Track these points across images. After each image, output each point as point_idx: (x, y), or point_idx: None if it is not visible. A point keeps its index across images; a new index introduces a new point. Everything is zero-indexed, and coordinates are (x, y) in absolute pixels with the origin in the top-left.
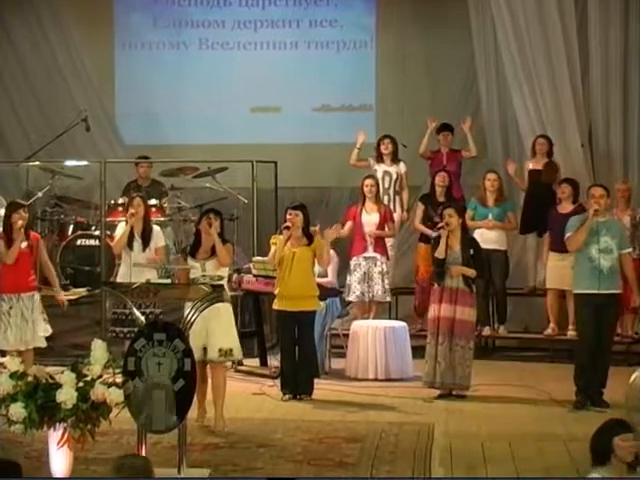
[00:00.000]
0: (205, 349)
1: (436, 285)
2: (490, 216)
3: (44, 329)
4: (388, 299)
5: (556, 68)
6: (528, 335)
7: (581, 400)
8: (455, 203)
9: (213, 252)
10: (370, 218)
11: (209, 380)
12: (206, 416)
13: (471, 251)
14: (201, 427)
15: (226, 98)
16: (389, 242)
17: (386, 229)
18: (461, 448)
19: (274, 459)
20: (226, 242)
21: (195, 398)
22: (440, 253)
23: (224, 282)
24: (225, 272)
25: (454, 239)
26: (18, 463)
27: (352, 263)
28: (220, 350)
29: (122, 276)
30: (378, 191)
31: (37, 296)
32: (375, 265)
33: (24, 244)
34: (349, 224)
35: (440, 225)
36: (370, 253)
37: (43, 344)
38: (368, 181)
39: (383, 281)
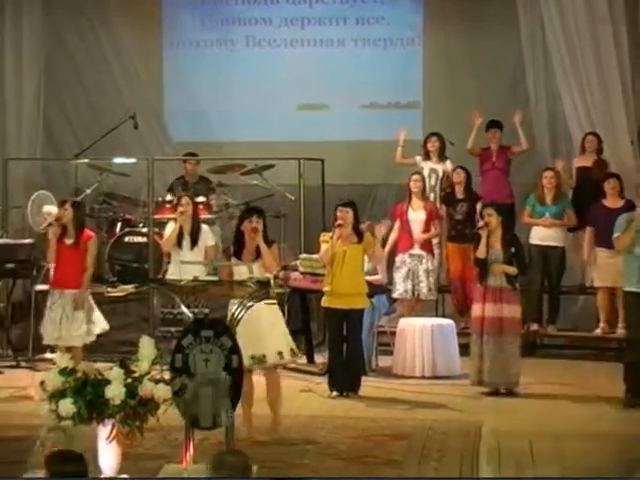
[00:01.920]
0: (253, 357)
1: (478, 284)
2: (547, 214)
3: (82, 327)
4: (433, 297)
5: (605, 65)
6: (577, 333)
7: (630, 399)
8: (493, 202)
9: (259, 253)
10: (416, 215)
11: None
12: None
13: (512, 249)
14: (248, 424)
15: (273, 95)
16: (435, 240)
17: (432, 227)
18: (509, 446)
19: (320, 456)
20: (271, 243)
21: (241, 409)
22: (481, 253)
23: (271, 283)
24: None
25: (494, 238)
26: (81, 454)
27: (397, 260)
28: (280, 353)
29: (171, 274)
30: (424, 187)
31: (83, 294)
32: (421, 263)
33: (70, 241)
34: (397, 224)
35: (480, 225)
36: (416, 251)
37: (78, 343)
38: (415, 177)
39: (428, 279)
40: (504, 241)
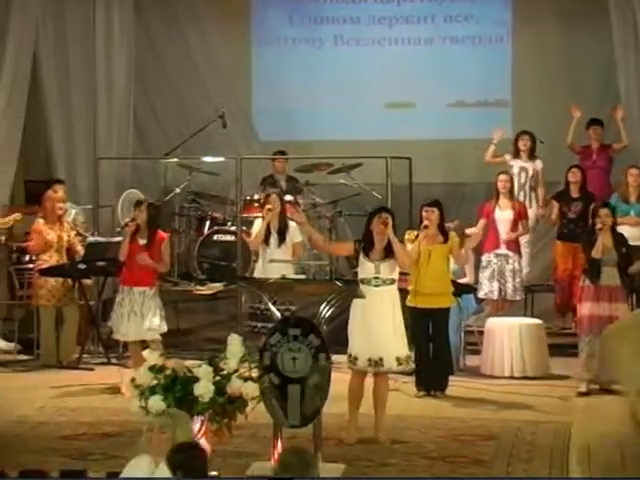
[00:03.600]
0: (370, 359)
1: (588, 283)
2: (632, 213)
3: (153, 323)
4: (519, 298)
5: None
6: None
7: None
8: (607, 202)
9: (386, 254)
10: (504, 215)
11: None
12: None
13: (623, 249)
14: (336, 422)
15: (360, 94)
16: (524, 239)
17: (519, 226)
18: (599, 448)
19: (408, 455)
20: (400, 242)
21: (348, 409)
22: (597, 253)
23: (395, 285)
24: (397, 275)
25: (607, 238)
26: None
27: (483, 259)
28: (398, 359)
29: (259, 272)
30: (512, 187)
31: (150, 292)
32: (507, 263)
33: (142, 241)
34: (482, 222)
35: (599, 227)
36: (502, 250)
37: (149, 337)
38: (502, 177)
39: (515, 279)
40: (615, 241)
